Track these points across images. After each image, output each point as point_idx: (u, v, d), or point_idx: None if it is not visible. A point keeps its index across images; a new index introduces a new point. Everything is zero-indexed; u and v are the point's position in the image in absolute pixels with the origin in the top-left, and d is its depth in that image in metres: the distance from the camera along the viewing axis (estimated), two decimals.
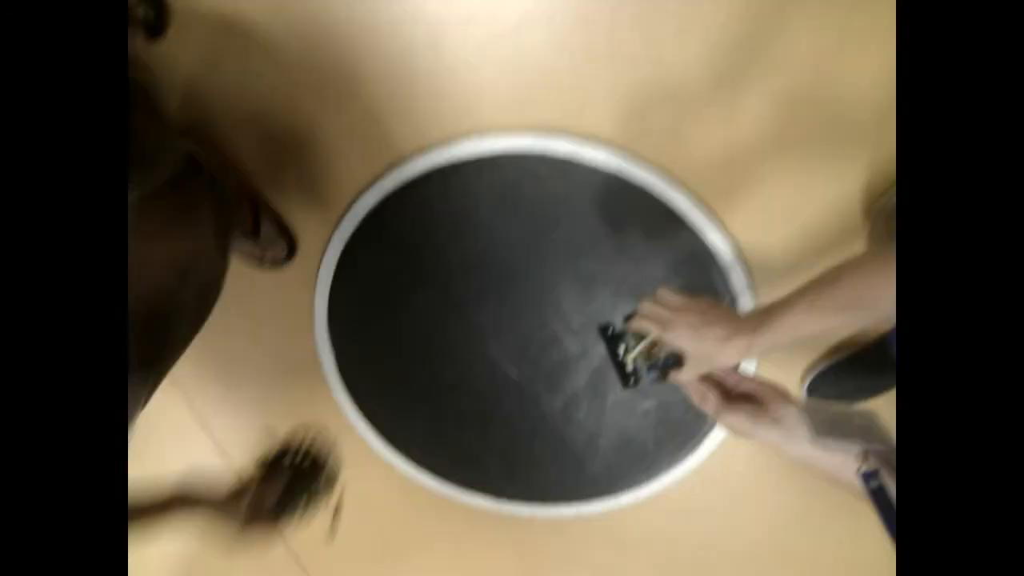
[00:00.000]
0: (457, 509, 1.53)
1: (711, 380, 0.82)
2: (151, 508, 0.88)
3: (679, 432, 1.35)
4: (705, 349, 0.78)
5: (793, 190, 1.10)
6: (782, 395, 0.78)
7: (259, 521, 0.94)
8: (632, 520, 1.49)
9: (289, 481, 0.98)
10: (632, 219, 1.15)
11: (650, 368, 0.89)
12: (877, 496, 0.62)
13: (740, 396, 0.80)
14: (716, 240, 1.14)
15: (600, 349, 1.29)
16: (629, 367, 0.90)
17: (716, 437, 1.36)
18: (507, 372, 1.34)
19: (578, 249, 1.19)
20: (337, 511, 1.06)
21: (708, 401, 0.80)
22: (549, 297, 1.25)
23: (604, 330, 0.95)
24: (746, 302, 1.19)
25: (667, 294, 0.85)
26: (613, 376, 1.31)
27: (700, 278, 1.18)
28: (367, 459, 1.49)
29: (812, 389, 1.24)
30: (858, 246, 1.10)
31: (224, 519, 0.92)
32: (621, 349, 0.91)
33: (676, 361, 0.85)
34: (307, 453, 1.03)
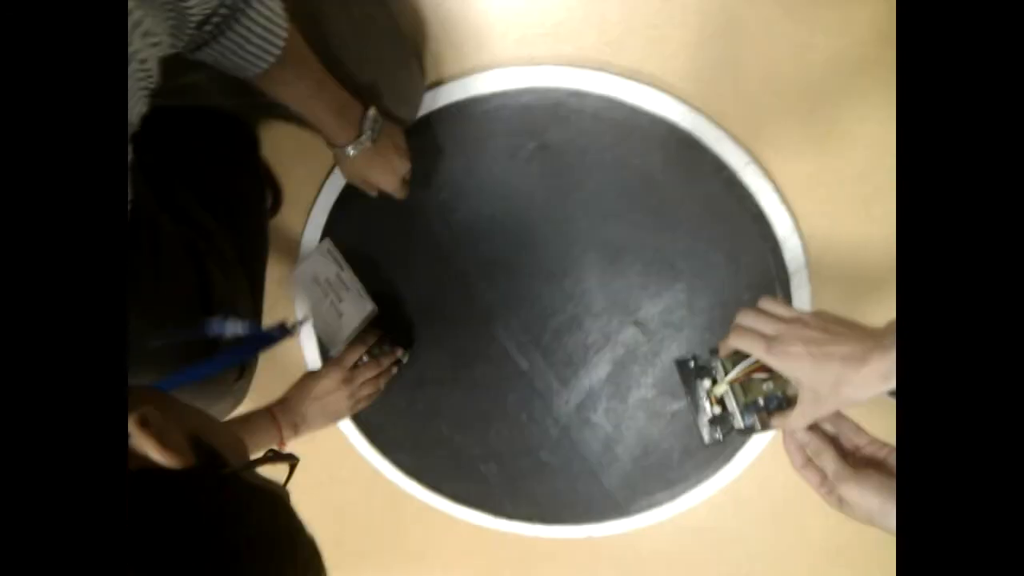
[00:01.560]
0: (449, 524, 1.32)
1: (823, 435, 0.61)
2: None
3: None
4: (831, 375, 0.56)
5: (867, 160, 0.94)
6: None
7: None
8: (649, 542, 1.29)
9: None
10: (674, 176, 0.99)
11: (747, 408, 0.66)
12: None
13: (863, 462, 0.59)
14: (771, 204, 0.98)
15: (625, 337, 1.11)
16: (714, 409, 0.68)
17: (754, 450, 1.17)
18: (516, 361, 1.15)
19: (607, 213, 1.03)
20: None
21: (822, 462, 0.59)
22: (570, 271, 1.08)
23: (683, 364, 0.72)
24: (800, 281, 1.02)
25: (774, 304, 0.64)
26: (637, 370, 1.16)
27: (748, 251, 1.02)
28: (348, 461, 1.30)
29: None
30: None
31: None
32: (706, 385, 0.69)
33: (787, 401, 0.64)
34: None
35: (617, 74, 0.93)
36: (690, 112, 0.94)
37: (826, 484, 0.59)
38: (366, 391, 1.06)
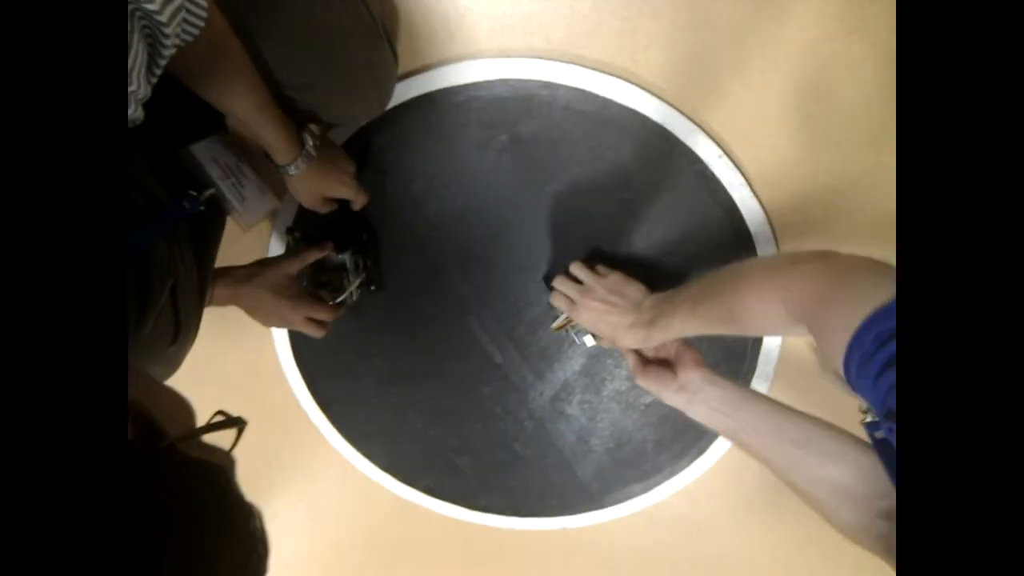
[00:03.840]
0: (423, 517, 1.32)
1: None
2: None
3: (685, 432, 1.17)
4: (608, 333, 0.85)
5: (839, 154, 0.95)
6: (693, 361, 0.81)
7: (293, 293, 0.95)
8: (624, 534, 1.30)
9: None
10: (646, 168, 0.99)
11: (579, 333, 1.02)
12: (881, 447, 0.62)
13: (658, 361, 0.86)
14: (743, 197, 0.98)
15: None
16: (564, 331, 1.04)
17: (727, 441, 1.18)
18: (490, 354, 1.15)
19: (580, 205, 1.02)
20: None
21: (629, 360, 0.88)
22: (543, 263, 1.07)
23: (548, 280, 1.02)
24: None
25: (578, 270, 0.91)
26: (611, 363, 1.16)
27: (721, 243, 1.02)
28: (322, 456, 1.29)
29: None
30: None
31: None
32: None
33: None
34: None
35: (588, 66, 0.93)
36: (662, 105, 0.94)
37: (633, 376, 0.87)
38: (312, 310, 0.97)
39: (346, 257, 1.01)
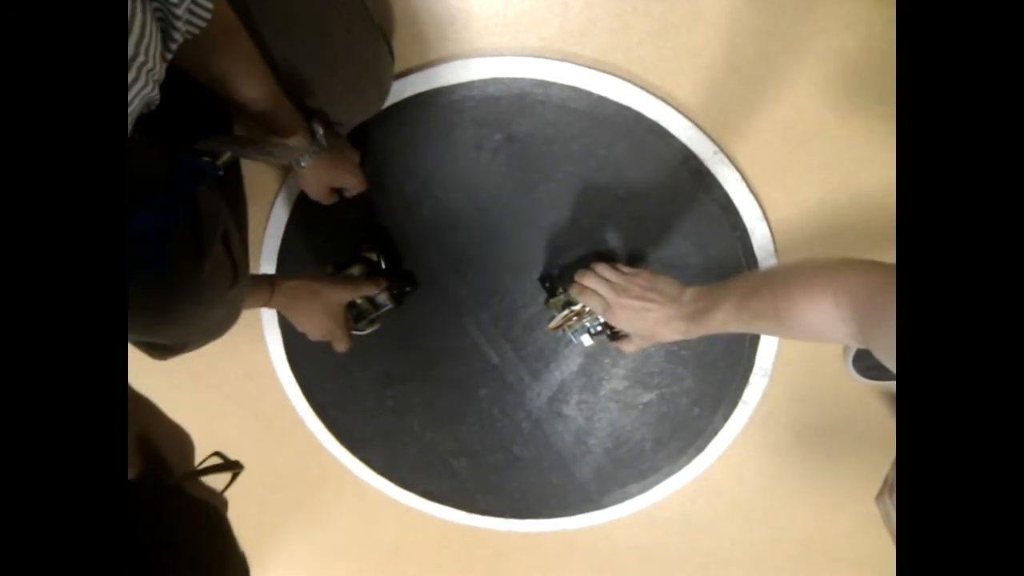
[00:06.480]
0: (421, 521, 1.31)
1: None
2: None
3: (682, 430, 1.17)
4: (646, 329, 0.83)
5: (834, 148, 0.95)
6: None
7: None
8: (623, 534, 1.29)
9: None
10: (641, 166, 0.98)
11: (577, 332, 0.99)
12: None
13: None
14: (739, 192, 0.98)
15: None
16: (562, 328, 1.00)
17: (725, 438, 1.17)
18: (486, 355, 1.14)
19: (575, 204, 1.02)
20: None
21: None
22: (539, 263, 1.06)
23: (543, 280, 1.05)
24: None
25: (606, 270, 0.88)
26: (608, 362, 1.15)
27: (717, 239, 1.02)
28: (318, 461, 1.28)
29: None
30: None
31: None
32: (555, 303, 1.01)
33: (605, 324, 0.95)
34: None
35: (582, 64, 0.92)
36: (656, 101, 0.94)
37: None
38: (342, 337, 1.01)
39: (387, 302, 1.04)
